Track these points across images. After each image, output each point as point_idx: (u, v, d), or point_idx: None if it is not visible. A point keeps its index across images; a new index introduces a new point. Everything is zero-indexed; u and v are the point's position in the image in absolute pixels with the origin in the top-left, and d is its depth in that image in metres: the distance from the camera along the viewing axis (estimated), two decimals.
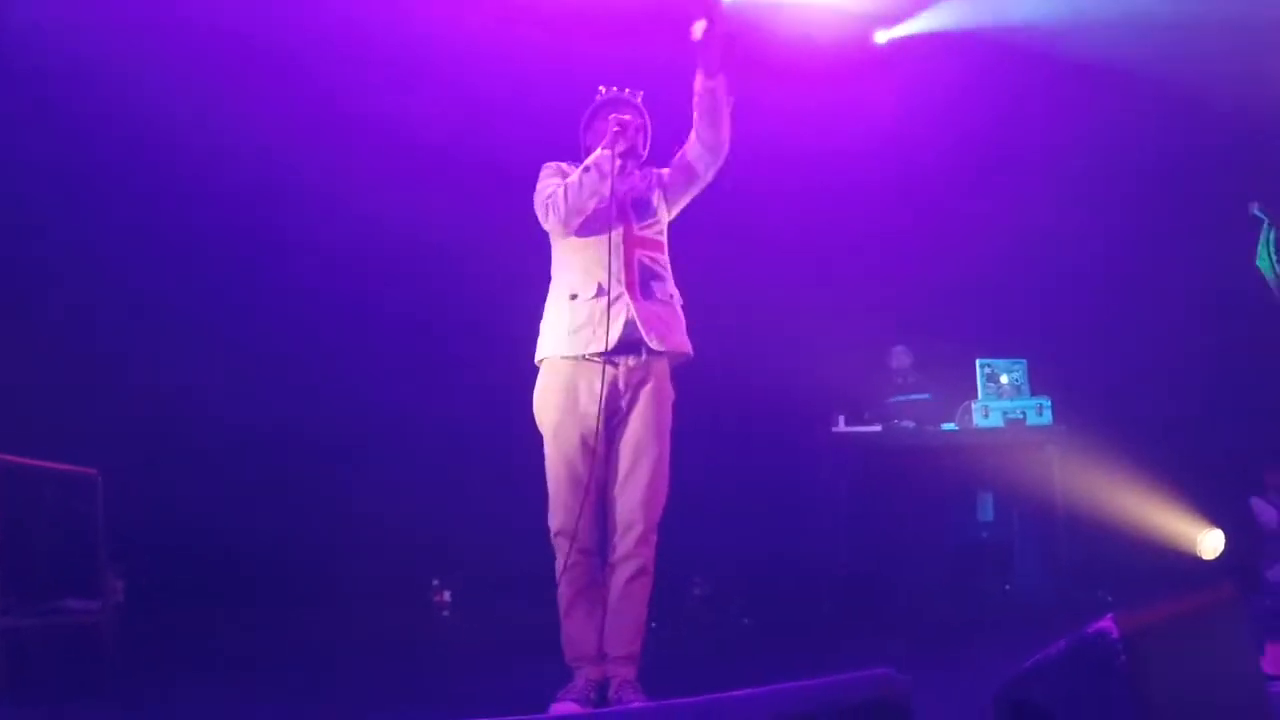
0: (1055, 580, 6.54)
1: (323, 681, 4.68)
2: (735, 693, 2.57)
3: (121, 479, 5.35)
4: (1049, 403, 6.79)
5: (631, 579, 3.75)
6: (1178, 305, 7.52)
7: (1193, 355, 7.37)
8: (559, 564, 3.74)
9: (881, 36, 7.77)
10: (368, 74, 6.47)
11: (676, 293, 3.93)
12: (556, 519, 3.76)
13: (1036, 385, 6.92)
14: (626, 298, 3.75)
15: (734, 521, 7.07)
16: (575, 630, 3.77)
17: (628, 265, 3.80)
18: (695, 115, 3.87)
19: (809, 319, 7.53)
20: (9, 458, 4.54)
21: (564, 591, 3.76)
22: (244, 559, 6.04)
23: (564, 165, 3.94)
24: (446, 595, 6.65)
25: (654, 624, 6.16)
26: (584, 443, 3.74)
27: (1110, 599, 6.01)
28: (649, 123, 4.01)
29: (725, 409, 7.21)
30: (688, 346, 3.92)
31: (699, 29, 3.73)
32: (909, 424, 7.05)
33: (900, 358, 7.56)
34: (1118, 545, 6.63)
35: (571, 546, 3.70)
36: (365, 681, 3.53)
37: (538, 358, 3.87)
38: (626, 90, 4.03)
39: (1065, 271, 7.69)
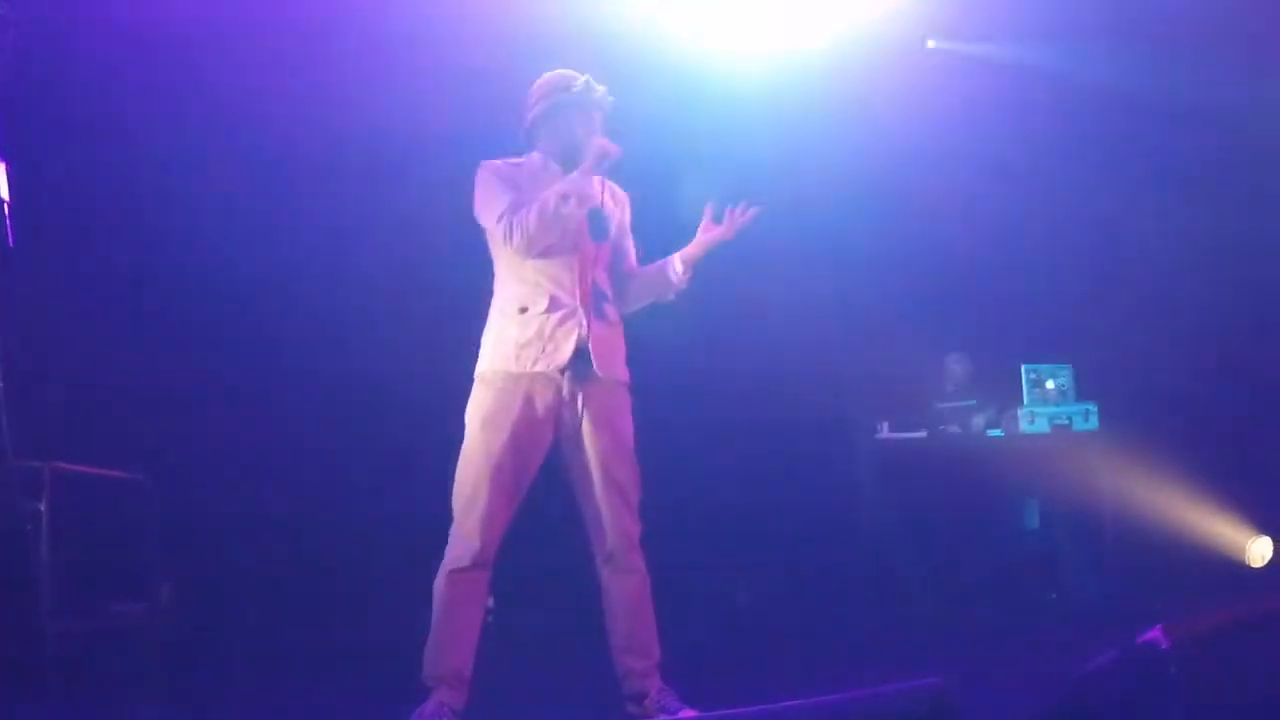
0: (1102, 588, 6.47)
1: (369, 682, 4.72)
2: (786, 703, 2.56)
3: (170, 484, 5.42)
4: (1095, 408, 6.73)
5: (640, 586, 3.64)
6: (1226, 309, 7.41)
7: (1241, 359, 7.27)
8: (448, 562, 3.53)
9: (933, 43, 7.72)
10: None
11: (620, 317, 3.81)
12: (467, 523, 3.53)
13: (1083, 390, 6.86)
14: (580, 315, 3.61)
15: (777, 528, 7.03)
16: (446, 644, 3.52)
17: (582, 283, 3.65)
18: (646, 284, 3.87)
19: (853, 325, 7.50)
20: (61, 465, 4.61)
21: (444, 596, 3.53)
22: (290, 562, 6.08)
23: (499, 165, 3.74)
24: (490, 601, 6.67)
25: (698, 633, 6.21)
26: (519, 455, 3.56)
27: (1159, 607, 5.93)
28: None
29: (768, 416, 7.19)
30: (626, 374, 3.76)
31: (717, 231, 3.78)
32: (954, 430, 7.00)
33: (958, 365, 7.51)
34: (1166, 553, 6.54)
35: (470, 554, 3.50)
36: (410, 683, 3.55)
37: (478, 370, 3.68)
38: (606, 97, 3.79)
39: (1112, 275, 7.60)
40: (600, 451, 3.62)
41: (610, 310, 3.72)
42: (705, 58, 6.86)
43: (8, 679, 4.18)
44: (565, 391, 3.61)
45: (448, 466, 3.66)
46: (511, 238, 3.55)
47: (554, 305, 3.60)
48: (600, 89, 3.77)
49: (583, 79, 3.76)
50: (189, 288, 6.06)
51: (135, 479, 5.14)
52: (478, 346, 3.76)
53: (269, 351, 6.26)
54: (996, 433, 6.91)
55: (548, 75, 3.83)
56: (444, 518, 3.62)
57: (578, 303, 3.61)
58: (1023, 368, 6.89)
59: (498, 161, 3.76)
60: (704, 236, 3.81)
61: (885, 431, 7.08)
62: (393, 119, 6.36)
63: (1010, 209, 7.52)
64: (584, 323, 3.60)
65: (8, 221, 3.08)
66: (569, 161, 3.70)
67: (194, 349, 6.03)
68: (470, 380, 3.73)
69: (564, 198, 3.52)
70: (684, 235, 3.93)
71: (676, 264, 3.81)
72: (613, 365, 3.66)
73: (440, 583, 3.54)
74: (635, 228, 4.00)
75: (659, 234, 4.05)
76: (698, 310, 6.83)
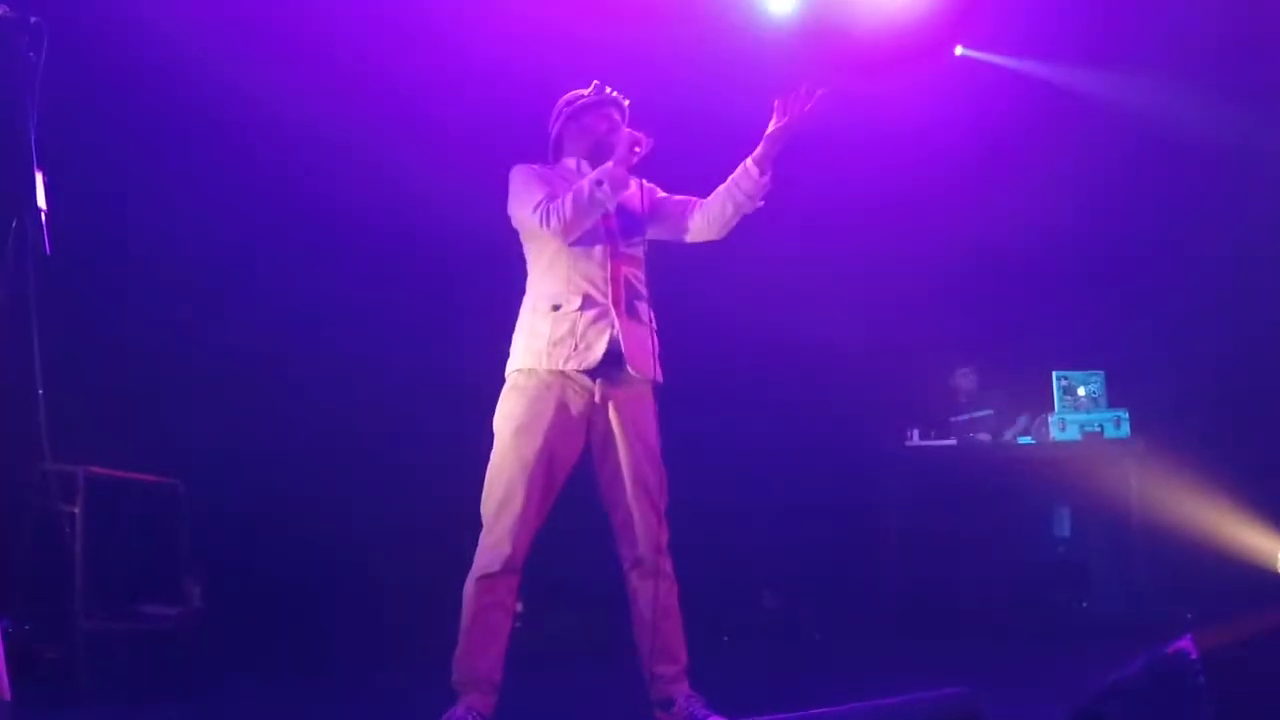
0: (1133, 597, 6.42)
1: (398, 685, 4.75)
2: (813, 711, 2.56)
3: (201, 488, 5.47)
4: (1127, 415, 6.67)
5: (669, 592, 3.60)
6: (1259, 314, 7.35)
7: (1274, 366, 7.19)
8: (477, 568, 3.53)
9: (961, 50, 7.71)
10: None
11: (652, 315, 3.77)
12: (497, 529, 3.52)
13: (1114, 397, 6.81)
14: (613, 314, 3.60)
15: (805, 535, 7.02)
16: (475, 648, 3.51)
17: (614, 281, 3.65)
18: (722, 199, 3.75)
19: (883, 331, 7.48)
20: (95, 469, 4.67)
21: (473, 602, 3.52)
22: (321, 565, 6.12)
23: (534, 166, 3.78)
24: (518, 606, 6.68)
25: (726, 638, 6.22)
26: (552, 462, 3.55)
27: (1190, 616, 5.89)
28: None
29: (797, 422, 7.18)
30: (659, 374, 3.73)
31: (785, 114, 3.64)
32: (984, 437, 6.97)
33: (965, 379, 7.48)
34: (1198, 561, 6.48)
35: (500, 560, 3.49)
36: (440, 687, 3.56)
37: (510, 369, 3.69)
38: (615, 93, 3.85)
39: (1144, 281, 7.55)
40: (631, 457, 3.62)
41: (643, 309, 3.72)
42: (732, 66, 6.88)
43: (42, 679, 4.23)
44: (598, 397, 3.62)
45: (479, 470, 3.67)
46: (548, 222, 3.57)
47: (587, 303, 3.60)
48: (612, 90, 3.83)
49: (594, 84, 3.82)
50: (223, 295, 6.11)
51: (168, 483, 5.20)
52: (507, 351, 3.77)
53: (303, 358, 6.31)
54: (1027, 440, 6.88)
55: (564, 96, 3.91)
56: (475, 522, 3.63)
57: (609, 301, 3.61)
58: (1054, 374, 6.84)
59: (529, 165, 3.80)
60: (772, 130, 3.69)
61: (915, 439, 7.06)
62: (426, 128, 6.42)
63: (1043, 215, 7.48)
64: (615, 322, 3.59)
65: (45, 229, 3.12)
66: (597, 159, 3.72)
67: (228, 355, 6.08)
68: (498, 383, 3.74)
69: (598, 183, 3.55)
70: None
71: (751, 166, 3.70)
72: (645, 364, 3.66)
73: (470, 588, 3.55)
74: None
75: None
76: (728, 315, 6.92)
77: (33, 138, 3.13)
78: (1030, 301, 7.75)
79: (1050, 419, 6.74)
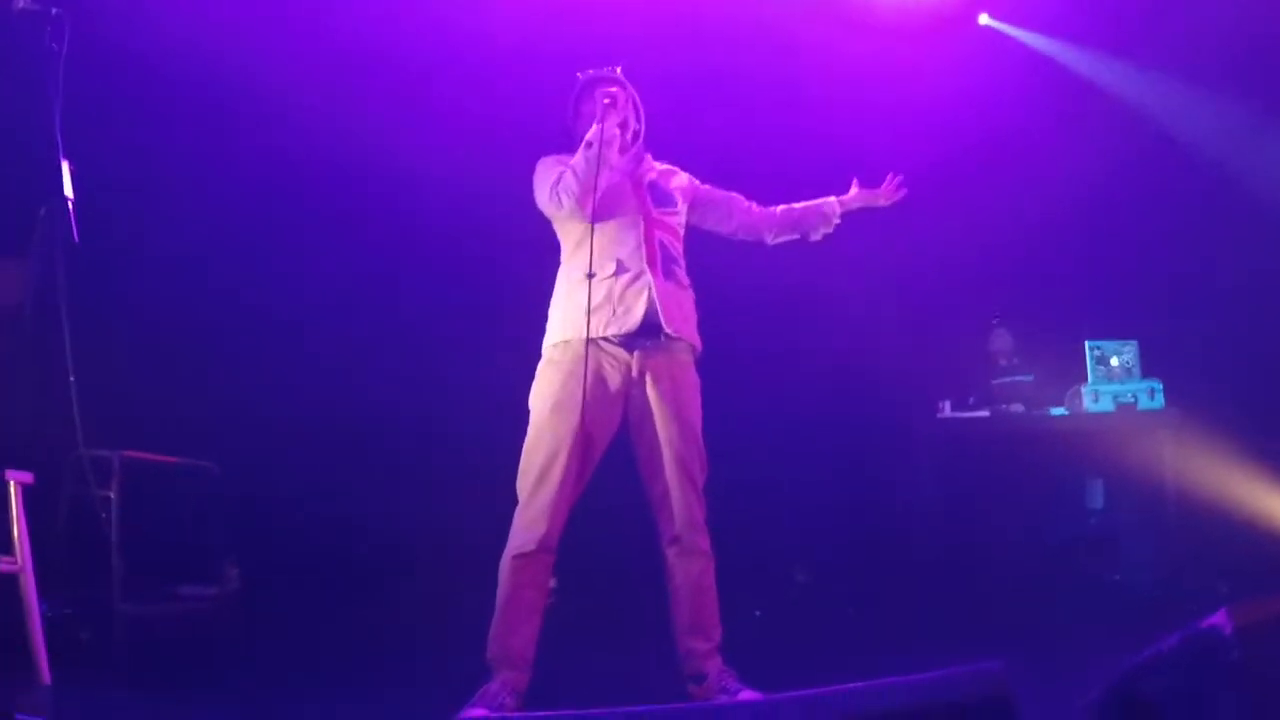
0: (1168, 570, 6.37)
1: (434, 667, 4.78)
2: (841, 686, 2.56)
3: (237, 470, 5.52)
4: (1160, 386, 6.59)
5: (705, 568, 3.64)
6: None
7: None
8: (512, 546, 3.56)
9: (984, 19, 7.63)
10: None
11: (689, 282, 3.84)
12: (532, 507, 3.55)
13: (1148, 367, 6.73)
14: (648, 275, 3.63)
15: (836, 509, 7.01)
16: (509, 626, 3.55)
17: (649, 243, 3.69)
18: (794, 222, 4.03)
19: (911, 301, 7.44)
20: (132, 453, 4.72)
21: (508, 579, 3.55)
22: (356, 546, 6.17)
23: (562, 158, 3.82)
24: (552, 582, 6.71)
25: (758, 612, 6.22)
26: (589, 439, 3.57)
27: (1225, 590, 5.84)
28: (635, 95, 3.92)
29: (827, 395, 7.16)
30: (698, 340, 3.78)
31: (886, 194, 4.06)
32: (1018, 408, 6.92)
33: (1000, 339, 7.42)
34: (1233, 534, 6.42)
35: (536, 538, 3.52)
36: (475, 663, 3.59)
37: (547, 342, 3.72)
38: (605, 69, 3.95)
39: (1177, 246, 7.45)
40: (669, 432, 3.64)
41: (680, 273, 3.76)
42: (762, 36, 6.84)
43: (80, 661, 4.30)
44: (635, 370, 3.63)
45: (514, 449, 3.69)
46: (560, 202, 3.67)
47: (621, 269, 3.64)
48: (608, 69, 3.93)
49: (582, 73, 3.94)
50: (253, 278, 6.15)
51: (203, 465, 5.25)
52: (538, 334, 3.78)
53: (337, 338, 6.34)
54: (1060, 411, 6.83)
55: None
56: (510, 500, 3.64)
57: (645, 264, 3.64)
58: (1086, 344, 6.77)
59: (554, 156, 3.88)
60: (866, 194, 4.13)
61: (947, 411, 7.02)
62: (457, 123, 6.43)
63: (1071, 182, 7.40)
64: (652, 283, 3.62)
65: (73, 218, 3.15)
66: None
67: (260, 338, 6.13)
68: (533, 360, 3.75)
69: (587, 145, 3.63)
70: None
71: (836, 208, 4.06)
72: (684, 325, 3.70)
73: (505, 566, 3.58)
74: None
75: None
76: (756, 289, 6.89)
77: (58, 128, 3.16)
78: (1061, 270, 7.67)
79: (1083, 389, 6.69)
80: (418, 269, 6.65)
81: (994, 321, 7.25)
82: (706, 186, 3.97)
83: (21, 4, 3.18)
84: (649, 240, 3.68)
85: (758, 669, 3.72)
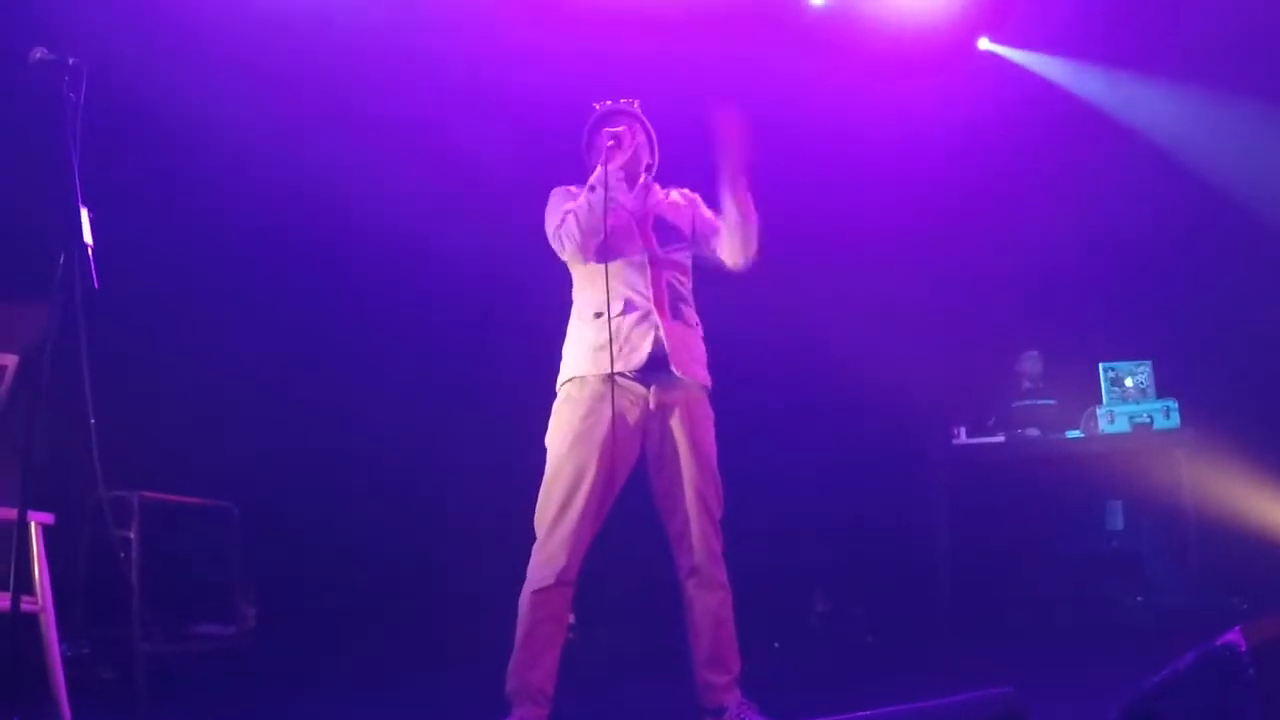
0: (1189, 590, 6.33)
1: (452, 703, 4.78)
2: (858, 714, 2.56)
3: (254, 511, 5.55)
4: (1176, 405, 6.57)
5: (724, 601, 3.61)
6: None
7: None
8: (531, 581, 3.54)
9: (984, 43, 7.69)
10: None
11: (698, 321, 3.80)
12: (551, 543, 3.54)
13: (1163, 386, 6.72)
14: (655, 316, 3.62)
15: (854, 538, 7.00)
16: (529, 661, 3.53)
17: (655, 284, 3.67)
18: (723, 229, 3.76)
19: (924, 327, 7.45)
20: (151, 494, 4.75)
21: (527, 614, 3.54)
22: (372, 585, 6.19)
23: (572, 189, 3.79)
24: (570, 617, 6.71)
25: (777, 643, 6.21)
26: (607, 473, 3.56)
27: (1245, 606, 5.81)
28: (650, 128, 3.89)
29: (843, 424, 7.17)
30: (707, 379, 3.75)
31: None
32: (1034, 433, 6.92)
33: (1031, 363, 7.42)
34: (1254, 551, 6.39)
35: (555, 573, 3.51)
36: (494, 698, 3.59)
37: (560, 381, 3.72)
38: (622, 100, 3.92)
39: (1188, 265, 7.45)
40: (687, 466, 3.63)
41: (687, 312, 3.74)
42: (766, 79, 6.90)
43: (101, 700, 4.32)
44: (652, 404, 3.64)
45: (532, 486, 3.69)
46: (563, 246, 3.67)
47: (629, 307, 3.62)
48: (625, 101, 3.90)
49: (606, 102, 3.92)
50: (271, 322, 6.20)
51: (221, 506, 5.28)
52: (556, 365, 3.80)
53: (352, 381, 6.38)
54: (1076, 434, 6.81)
55: None
56: (529, 534, 3.65)
57: (651, 304, 3.63)
58: (1100, 366, 6.76)
59: (569, 187, 3.84)
60: (718, 160, 3.71)
61: (962, 437, 7.01)
62: (470, 161, 6.49)
63: (1082, 204, 7.43)
64: (659, 323, 3.61)
65: (92, 264, 3.20)
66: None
67: (278, 381, 6.17)
68: (549, 397, 3.76)
69: (590, 189, 3.62)
70: None
71: (723, 200, 3.73)
72: (691, 366, 3.67)
73: (524, 602, 3.57)
74: None
75: None
76: (772, 319, 6.92)
77: (76, 175, 3.21)
78: (1073, 292, 7.67)
79: (1098, 411, 6.67)
80: (438, 312, 6.69)
81: (1025, 351, 7.30)
82: (707, 215, 3.89)
83: (39, 55, 3.23)
84: (656, 282, 3.68)
85: (777, 700, 3.71)
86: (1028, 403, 7.09)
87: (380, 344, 6.56)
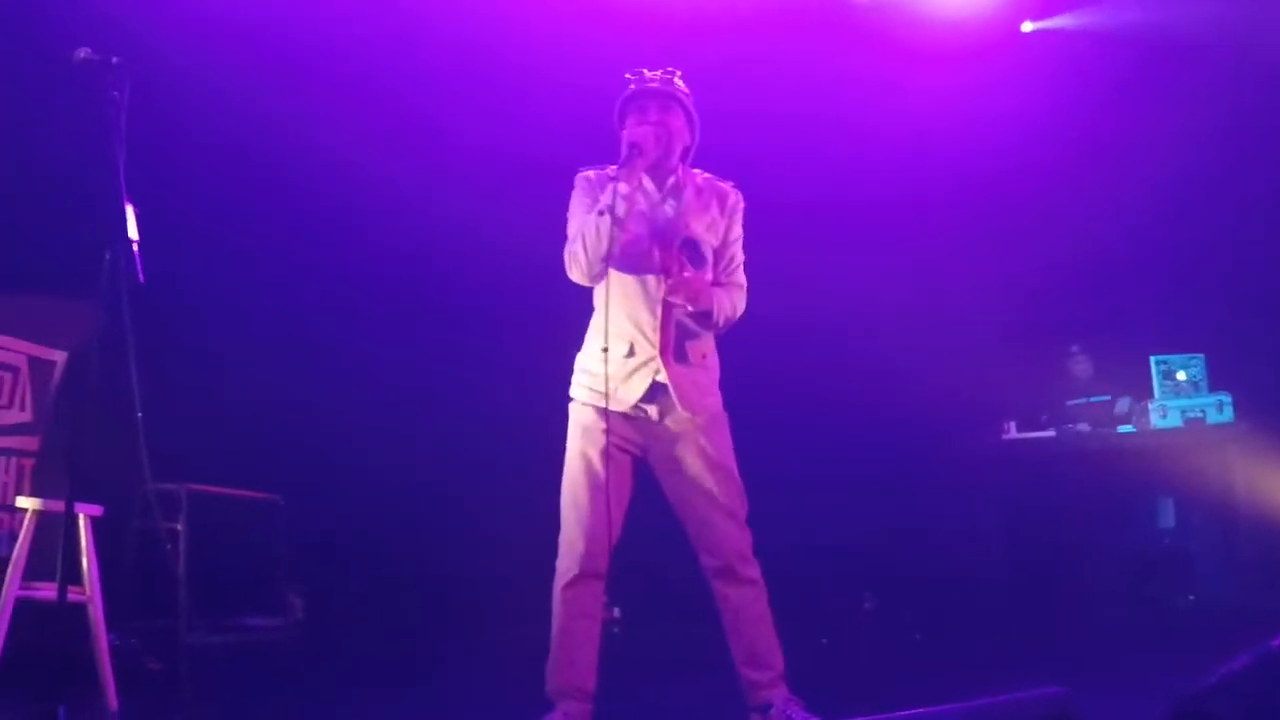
0: (1242, 588, 6.23)
1: (497, 693, 4.78)
2: (906, 712, 2.54)
3: (301, 503, 5.59)
4: (1230, 399, 6.47)
5: (757, 597, 3.54)
6: None
7: None
8: (558, 575, 3.52)
9: (1029, 26, 7.59)
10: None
11: (710, 350, 3.62)
12: (570, 534, 3.52)
13: (1216, 380, 6.61)
14: (658, 362, 3.47)
15: (903, 535, 6.95)
16: (565, 658, 3.49)
17: (664, 325, 3.48)
18: None
19: (974, 321, 7.38)
20: (200, 487, 4.81)
21: (559, 610, 3.51)
22: (418, 576, 6.22)
23: (590, 178, 3.58)
24: (616, 612, 6.73)
25: (825, 640, 6.17)
26: (617, 472, 3.51)
27: None
28: (688, 104, 3.59)
29: (891, 420, 7.11)
30: (714, 405, 3.61)
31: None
32: (1084, 428, 6.83)
33: (1080, 366, 7.34)
34: None
35: (577, 564, 3.47)
36: (537, 695, 3.59)
37: (570, 393, 3.65)
38: (659, 73, 3.60)
39: (1241, 257, 7.32)
40: (695, 471, 3.55)
41: (692, 350, 3.57)
42: (813, 58, 6.86)
43: (147, 689, 4.37)
44: (651, 435, 3.58)
45: None
46: (570, 270, 3.51)
47: (633, 351, 3.50)
48: (653, 74, 3.62)
49: (639, 73, 3.63)
50: (317, 316, 6.24)
51: (268, 499, 5.32)
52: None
53: (398, 375, 6.41)
54: (1127, 429, 6.72)
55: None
56: None
57: (656, 350, 3.49)
58: (1152, 359, 6.66)
59: (591, 172, 3.64)
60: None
61: (1013, 432, 6.94)
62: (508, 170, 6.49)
63: (1132, 193, 7.32)
64: (660, 369, 3.48)
65: (138, 260, 3.23)
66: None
67: (323, 373, 6.21)
68: None
69: (600, 213, 3.38)
70: (785, 228, 3.85)
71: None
72: (698, 402, 3.55)
73: (555, 599, 3.55)
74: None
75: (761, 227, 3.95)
76: (822, 314, 6.88)
77: (121, 173, 3.24)
78: (1124, 285, 7.57)
79: (1150, 405, 6.57)
80: (490, 308, 6.70)
81: (1074, 349, 7.21)
82: (733, 240, 3.66)
83: (83, 54, 3.28)
84: (665, 323, 3.48)
85: (824, 698, 3.68)
86: (1082, 400, 7.01)
87: (429, 338, 6.58)
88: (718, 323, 3.56)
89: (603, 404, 3.52)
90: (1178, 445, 6.49)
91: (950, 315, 7.31)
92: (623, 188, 3.37)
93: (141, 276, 3.23)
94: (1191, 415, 6.52)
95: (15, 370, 4.66)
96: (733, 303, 3.60)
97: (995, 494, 6.85)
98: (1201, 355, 6.66)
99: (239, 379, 5.89)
